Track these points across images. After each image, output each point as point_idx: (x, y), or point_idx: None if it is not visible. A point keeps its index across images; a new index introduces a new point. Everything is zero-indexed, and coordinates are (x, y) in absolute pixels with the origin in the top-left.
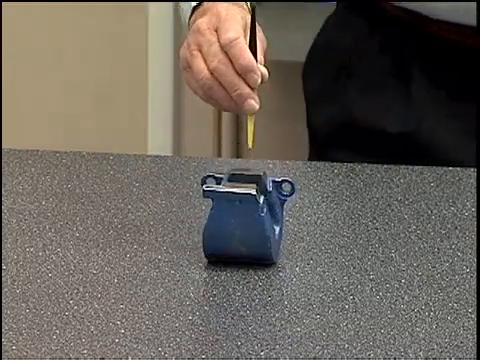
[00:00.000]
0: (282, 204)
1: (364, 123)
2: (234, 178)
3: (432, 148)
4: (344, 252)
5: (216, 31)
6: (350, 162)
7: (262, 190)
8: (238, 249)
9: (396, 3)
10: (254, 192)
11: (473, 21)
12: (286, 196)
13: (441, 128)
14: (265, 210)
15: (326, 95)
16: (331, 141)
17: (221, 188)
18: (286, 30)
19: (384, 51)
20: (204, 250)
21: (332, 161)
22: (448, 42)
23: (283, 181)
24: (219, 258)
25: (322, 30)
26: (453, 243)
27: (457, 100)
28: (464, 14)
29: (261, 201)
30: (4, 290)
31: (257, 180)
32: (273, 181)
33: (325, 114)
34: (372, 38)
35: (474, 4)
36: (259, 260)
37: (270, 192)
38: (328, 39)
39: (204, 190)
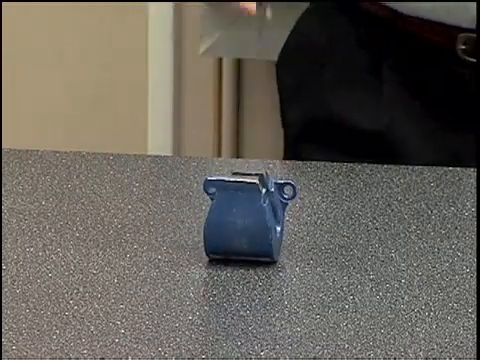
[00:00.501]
0: (284, 207)
1: (337, 119)
2: (237, 175)
3: (403, 148)
4: (344, 252)
5: None
6: (323, 159)
7: (264, 185)
8: (239, 241)
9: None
10: (256, 181)
11: (453, 20)
12: (288, 199)
13: (412, 129)
14: (267, 201)
15: (299, 91)
16: (304, 137)
17: (224, 178)
18: (286, 30)
19: (359, 48)
20: (205, 244)
21: (305, 158)
22: (425, 42)
23: (285, 184)
24: (220, 254)
25: (296, 27)
26: (453, 243)
27: (428, 102)
28: (446, 13)
29: (263, 192)
30: (4, 290)
31: (259, 177)
32: (275, 183)
33: (298, 110)
34: (348, 35)
35: (455, 3)
36: (260, 254)
37: (272, 192)
38: (303, 35)
39: (207, 180)
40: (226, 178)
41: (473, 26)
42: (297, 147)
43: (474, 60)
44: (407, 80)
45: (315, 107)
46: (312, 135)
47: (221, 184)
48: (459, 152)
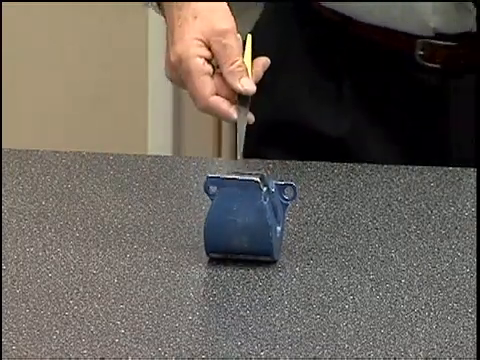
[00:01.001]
0: (284, 208)
1: (297, 122)
2: (237, 174)
3: (364, 153)
4: (344, 252)
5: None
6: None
7: (265, 184)
8: (240, 239)
9: (323, 3)
10: (257, 179)
11: (412, 30)
12: (288, 200)
13: (373, 134)
14: (267, 199)
15: (259, 94)
16: (266, 139)
17: (225, 175)
18: None
19: (314, 52)
20: (205, 243)
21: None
22: (384, 48)
23: (286, 185)
24: (220, 253)
25: (254, 30)
26: (453, 243)
27: (389, 107)
28: (403, 23)
29: (264, 190)
30: (4, 290)
31: (260, 176)
32: (276, 184)
33: (259, 112)
34: (302, 38)
35: (397, 7)
36: (260, 253)
37: (273, 193)
38: (261, 38)
39: (208, 177)
40: (227, 176)
41: (430, 34)
42: (258, 150)
43: (432, 65)
44: (367, 85)
45: (275, 110)
46: (273, 138)
47: (222, 182)
48: (420, 156)
